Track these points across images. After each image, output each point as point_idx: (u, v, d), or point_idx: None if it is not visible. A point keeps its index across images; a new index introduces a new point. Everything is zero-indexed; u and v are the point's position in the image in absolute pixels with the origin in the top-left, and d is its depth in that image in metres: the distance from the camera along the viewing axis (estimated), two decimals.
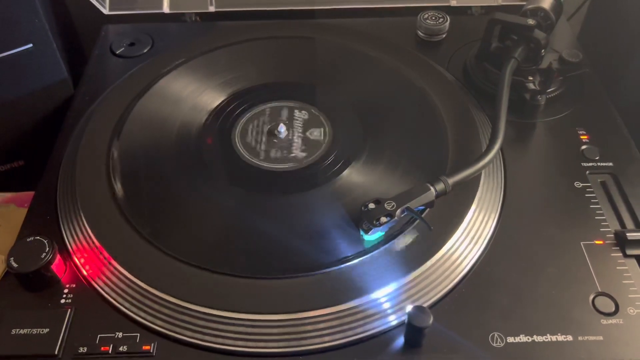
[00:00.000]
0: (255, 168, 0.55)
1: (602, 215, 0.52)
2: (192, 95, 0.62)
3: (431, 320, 0.41)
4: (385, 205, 0.47)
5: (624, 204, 0.53)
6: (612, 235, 0.50)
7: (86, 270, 0.47)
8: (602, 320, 0.45)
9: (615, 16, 0.73)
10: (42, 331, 0.44)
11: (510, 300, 0.46)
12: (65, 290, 0.46)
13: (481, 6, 0.75)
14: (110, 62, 0.68)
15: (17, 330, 0.44)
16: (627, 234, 0.49)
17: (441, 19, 0.70)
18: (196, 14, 0.75)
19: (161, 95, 0.61)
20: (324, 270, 0.46)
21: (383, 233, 0.48)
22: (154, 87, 0.61)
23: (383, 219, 0.46)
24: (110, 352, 0.43)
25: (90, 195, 0.51)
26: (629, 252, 0.49)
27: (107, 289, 0.46)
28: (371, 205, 0.47)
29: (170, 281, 0.45)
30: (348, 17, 0.74)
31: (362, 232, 0.48)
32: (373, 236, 0.48)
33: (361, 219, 0.48)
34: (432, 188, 0.48)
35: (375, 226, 0.47)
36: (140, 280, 0.45)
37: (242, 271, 0.46)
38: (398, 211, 0.47)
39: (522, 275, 0.47)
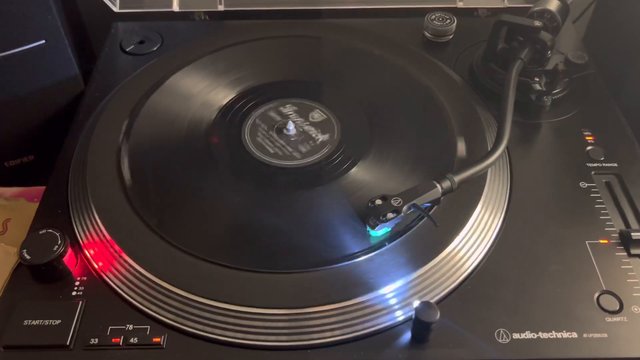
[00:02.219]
0: (264, 164, 0.56)
1: (607, 215, 0.52)
2: (202, 92, 0.63)
3: (438, 315, 0.41)
4: (392, 201, 0.47)
5: (628, 204, 0.53)
6: (617, 235, 0.50)
7: (97, 264, 0.48)
8: (606, 318, 0.45)
9: (619, 19, 0.74)
10: (54, 322, 0.44)
11: (515, 297, 0.46)
12: (77, 283, 0.47)
13: (487, 8, 0.76)
14: (120, 59, 0.69)
15: (30, 321, 0.44)
16: (632, 234, 0.49)
17: (448, 20, 0.70)
18: (205, 12, 0.75)
19: (171, 92, 0.62)
20: (332, 266, 0.46)
21: (389, 229, 0.48)
22: (164, 83, 0.62)
23: (389, 215, 0.47)
24: (121, 343, 0.43)
25: (101, 189, 0.52)
26: (634, 251, 0.49)
27: (117, 282, 0.47)
28: (378, 202, 0.48)
29: (180, 274, 0.46)
30: (355, 17, 0.75)
31: (368, 228, 0.48)
32: (379, 232, 0.48)
33: (368, 214, 0.48)
34: (438, 185, 0.48)
35: (382, 222, 0.47)
36: (150, 273, 0.46)
37: (251, 265, 0.46)
38: (404, 207, 0.47)
39: (527, 273, 0.48)
